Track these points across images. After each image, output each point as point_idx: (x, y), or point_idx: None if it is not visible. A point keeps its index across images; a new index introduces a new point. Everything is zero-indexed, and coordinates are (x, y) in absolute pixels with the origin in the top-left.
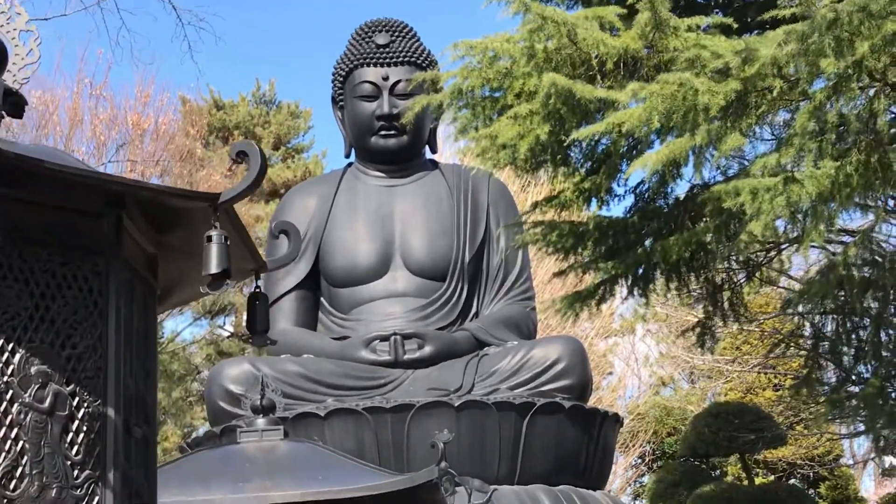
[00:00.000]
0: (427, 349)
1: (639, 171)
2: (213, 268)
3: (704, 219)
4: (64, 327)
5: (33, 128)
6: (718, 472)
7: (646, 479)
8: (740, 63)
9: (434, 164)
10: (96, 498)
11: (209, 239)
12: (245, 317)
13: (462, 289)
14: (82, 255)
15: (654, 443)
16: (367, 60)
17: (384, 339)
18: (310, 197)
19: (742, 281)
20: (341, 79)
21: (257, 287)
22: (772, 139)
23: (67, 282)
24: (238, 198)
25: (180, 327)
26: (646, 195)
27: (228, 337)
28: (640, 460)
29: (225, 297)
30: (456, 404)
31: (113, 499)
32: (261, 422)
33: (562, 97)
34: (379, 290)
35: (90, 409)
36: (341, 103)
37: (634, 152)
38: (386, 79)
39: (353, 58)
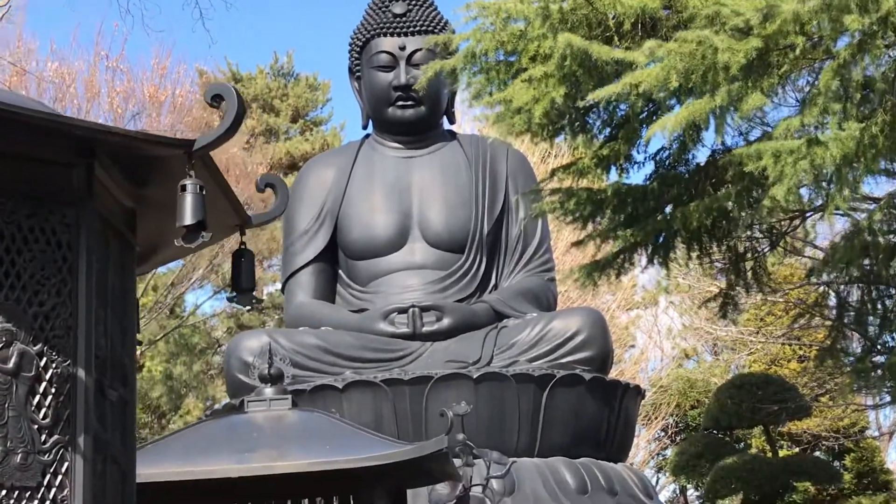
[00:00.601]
0: (445, 321)
1: (659, 138)
2: (188, 218)
3: (726, 185)
4: (31, 283)
5: (50, 101)
6: (742, 444)
7: (668, 452)
8: (761, 19)
9: (452, 135)
10: (66, 464)
11: (183, 188)
12: (231, 275)
13: (481, 260)
14: (51, 207)
15: (676, 415)
16: (384, 30)
17: (402, 311)
18: (327, 169)
19: (765, 250)
20: (358, 49)
21: (242, 243)
22: (795, 105)
23: (34, 235)
24: (214, 144)
25: (201, 300)
26: (666, 162)
27: (249, 310)
28: (662, 433)
29: None
30: (474, 376)
31: (84, 464)
32: (268, 391)
33: (577, 59)
34: (397, 263)
35: (59, 370)
36: (358, 74)
37: (654, 118)
38: (403, 48)
39: (369, 28)
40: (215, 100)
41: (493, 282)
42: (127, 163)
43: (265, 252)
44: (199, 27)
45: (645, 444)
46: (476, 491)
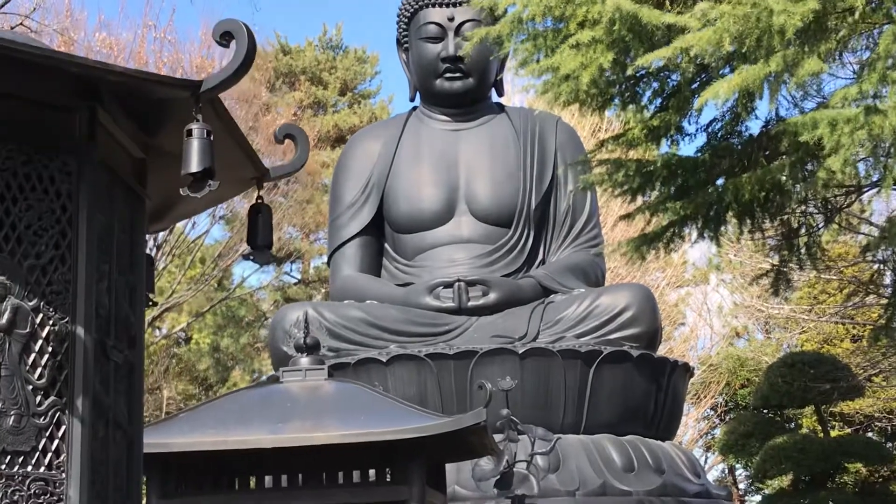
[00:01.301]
0: (491, 296)
1: (711, 108)
2: (194, 165)
3: (780, 156)
4: (26, 234)
5: None
6: (792, 424)
7: (717, 431)
8: None
9: (500, 108)
10: (62, 427)
11: (189, 133)
12: (247, 232)
13: (528, 235)
14: (50, 153)
15: (726, 394)
16: (433, 1)
17: (448, 285)
18: (374, 141)
19: (820, 225)
20: (406, 20)
21: (259, 198)
22: (851, 78)
23: (31, 182)
24: (224, 85)
25: (247, 273)
26: (718, 133)
27: (296, 283)
28: (711, 412)
29: (292, 243)
30: (520, 352)
31: (82, 428)
32: (304, 361)
33: (626, 23)
34: (443, 236)
35: (56, 328)
36: (406, 45)
37: (707, 87)
38: (451, 19)
39: None
40: (224, 38)
41: (540, 257)
42: (134, 107)
43: (311, 225)
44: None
45: (693, 423)
46: (520, 467)
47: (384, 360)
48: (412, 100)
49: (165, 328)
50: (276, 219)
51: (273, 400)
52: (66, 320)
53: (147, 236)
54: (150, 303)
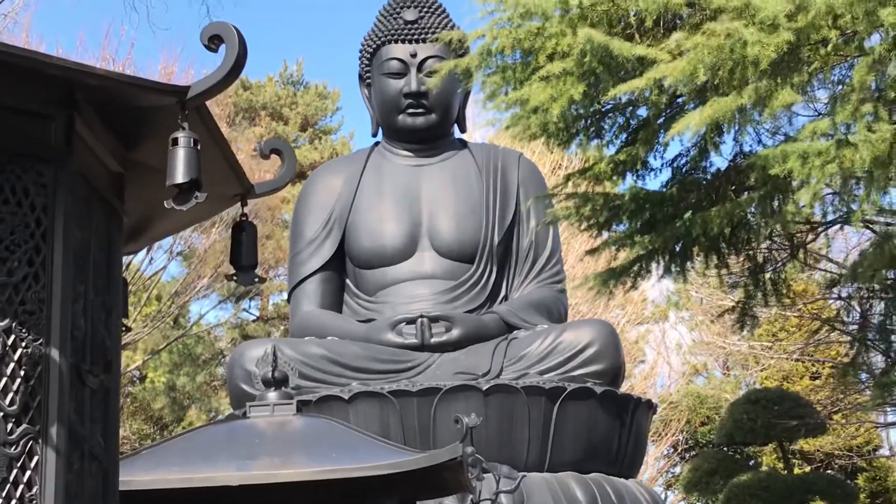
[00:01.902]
0: (455, 332)
1: (676, 144)
2: (180, 176)
3: (748, 191)
4: None
5: None
6: (753, 461)
7: (678, 469)
8: (793, 10)
9: (463, 144)
10: (35, 458)
11: (175, 141)
12: (229, 252)
13: (491, 271)
14: (23, 164)
15: (686, 432)
16: (395, 37)
17: (411, 321)
18: (336, 176)
19: (785, 259)
20: (368, 56)
21: (243, 216)
22: (818, 115)
23: (3, 195)
24: (213, 90)
25: (205, 310)
26: (684, 168)
27: (254, 321)
28: (672, 450)
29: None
30: (484, 388)
31: (56, 458)
32: (272, 395)
33: (598, 55)
34: (405, 272)
35: (29, 350)
36: (368, 81)
37: (674, 121)
38: (414, 55)
39: (380, 34)
40: (213, 41)
41: (503, 293)
42: (112, 118)
43: (271, 261)
44: (205, 25)
45: (654, 461)
46: None
47: (346, 398)
48: (374, 135)
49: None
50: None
51: (240, 436)
52: (39, 342)
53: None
54: (124, 328)
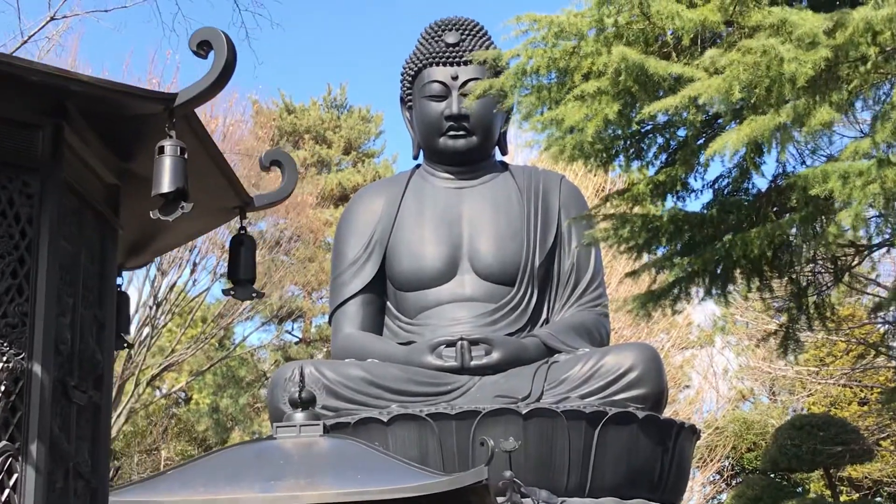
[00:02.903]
0: (495, 355)
1: (717, 165)
2: (165, 185)
3: (789, 212)
4: None
5: None
6: (801, 488)
7: (724, 496)
8: (831, 27)
9: (504, 166)
10: (14, 475)
11: (161, 150)
12: (228, 266)
13: (532, 294)
14: (8, 173)
15: (732, 458)
16: (437, 60)
17: (450, 344)
18: (377, 199)
19: (829, 283)
20: (410, 78)
21: (242, 229)
22: (860, 135)
23: None
24: (200, 98)
25: (248, 332)
26: (725, 190)
27: (297, 342)
28: (717, 476)
29: (293, 301)
30: (523, 412)
31: (37, 477)
32: (299, 416)
33: (632, 73)
34: (446, 295)
35: (10, 364)
36: (410, 104)
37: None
38: (455, 78)
39: (422, 57)
40: (202, 47)
41: (544, 315)
42: (105, 127)
43: (314, 283)
44: (243, 47)
45: (699, 488)
46: None
47: (385, 420)
48: (416, 157)
49: (165, 387)
50: (278, 277)
51: (266, 456)
52: (21, 356)
53: (125, 274)
54: (124, 344)
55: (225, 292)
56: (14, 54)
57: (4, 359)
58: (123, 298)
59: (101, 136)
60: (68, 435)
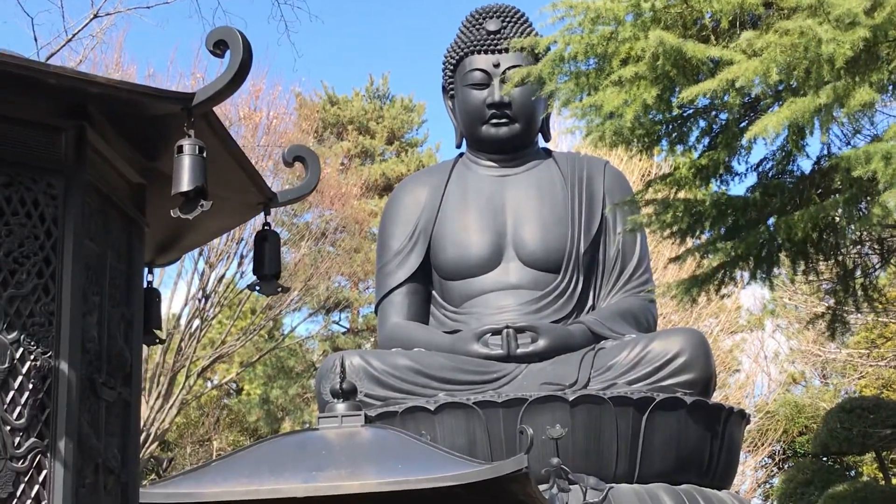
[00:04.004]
0: (541, 343)
1: (760, 147)
2: (185, 184)
3: (833, 194)
4: (6, 262)
5: None
6: (853, 471)
7: (776, 480)
8: (869, 7)
9: (547, 153)
10: (43, 472)
11: (180, 149)
12: (253, 261)
13: (577, 280)
14: (34, 174)
15: (784, 442)
16: (478, 48)
17: (496, 332)
18: (420, 188)
19: (876, 266)
20: (452, 67)
21: (266, 224)
22: None
23: (12, 206)
24: (217, 97)
25: (296, 322)
26: (770, 172)
27: (344, 333)
28: (769, 460)
29: (340, 292)
30: (570, 399)
31: (65, 473)
32: (341, 407)
33: (670, 58)
34: (491, 283)
35: (38, 363)
36: (452, 92)
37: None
38: (497, 66)
39: (463, 45)
40: (218, 47)
41: (590, 302)
42: (128, 127)
43: (360, 274)
44: (284, 40)
45: (751, 472)
46: None
47: (432, 409)
48: (458, 146)
49: (216, 379)
50: (324, 268)
51: (308, 447)
52: (48, 355)
53: (155, 270)
54: (157, 340)
55: (250, 287)
56: (58, 52)
57: (32, 357)
58: (153, 295)
59: (125, 136)
60: (97, 431)
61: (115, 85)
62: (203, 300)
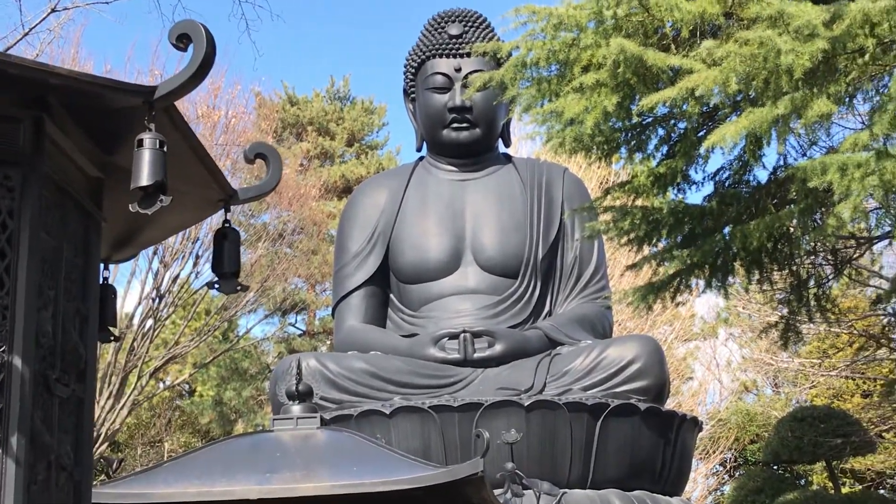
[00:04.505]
0: (497, 347)
1: (718, 157)
2: (144, 178)
3: (788, 204)
4: None
5: None
6: (803, 480)
7: (726, 488)
8: (828, 19)
9: (508, 159)
10: None
11: (140, 143)
12: (212, 259)
13: (535, 286)
14: None
15: (735, 450)
16: (440, 51)
17: (453, 336)
18: (380, 191)
19: (830, 277)
20: (413, 70)
21: (226, 222)
22: (860, 126)
23: None
24: (179, 91)
25: (251, 324)
26: (726, 182)
27: (301, 335)
28: (720, 467)
29: (297, 294)
30: (526, 404)
31: (17, 470)
32: (296, 408)
33: (631, 65)
34: (449, 287)
35: None
36: (413, 95)
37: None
38: (458, 70)
39: (425, 49)
40: (181, 40)
41: (547, 308)
42: (88, 120)
43: (317, 276)
44: (244, 39)
45: (703, 479)
46: None
47: (387, 413)
48: (419, 150)
49: (169, 380)
50: (281, 269)
51: (262, 449)
52: (2, 349)
53: (111, 266)
54: (112, 337)
55: (209, 285)
56: (15, 46)
57: None
58: (109, 291)
59: (84, 129)
60: (50, 428)
61: (76, 76)
62: (157, 300)
